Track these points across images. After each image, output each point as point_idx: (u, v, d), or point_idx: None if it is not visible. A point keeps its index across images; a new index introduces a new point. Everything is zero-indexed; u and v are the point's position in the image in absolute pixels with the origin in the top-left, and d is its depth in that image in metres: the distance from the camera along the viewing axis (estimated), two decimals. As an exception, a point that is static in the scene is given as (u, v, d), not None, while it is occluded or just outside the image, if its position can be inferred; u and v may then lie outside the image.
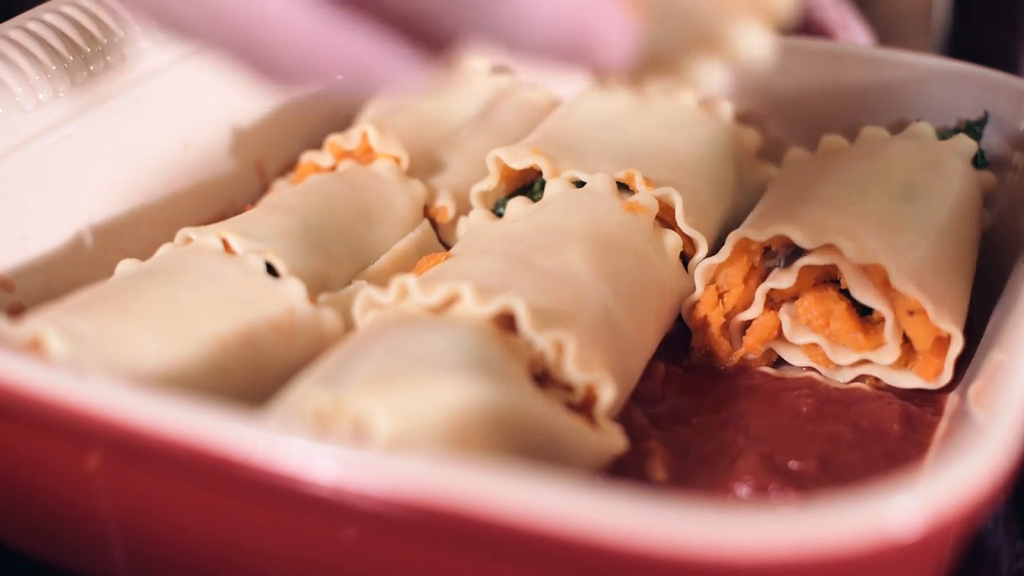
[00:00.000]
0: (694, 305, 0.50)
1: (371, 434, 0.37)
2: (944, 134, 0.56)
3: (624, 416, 0.45)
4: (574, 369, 0.42)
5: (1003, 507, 0.45)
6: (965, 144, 0.54)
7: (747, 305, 0.50)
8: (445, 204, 0.57)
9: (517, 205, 0.53)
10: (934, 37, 0.83)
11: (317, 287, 0.49)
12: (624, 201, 0.51)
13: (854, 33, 0.74)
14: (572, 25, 0.32)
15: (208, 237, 0.48)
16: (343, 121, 0.66)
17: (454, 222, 0.57)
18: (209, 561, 0.38)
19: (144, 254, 0.49)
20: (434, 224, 0.57)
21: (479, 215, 0.54)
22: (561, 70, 0.34)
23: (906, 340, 0.48)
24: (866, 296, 0.47)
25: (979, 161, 0.54)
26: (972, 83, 0.58)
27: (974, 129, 0.56)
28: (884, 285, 0.47)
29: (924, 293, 0.45)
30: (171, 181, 0.59)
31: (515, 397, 0.40)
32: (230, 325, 0.44)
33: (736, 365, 0.50)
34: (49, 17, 0.54)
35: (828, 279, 0.49)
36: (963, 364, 0.47)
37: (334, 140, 0.59)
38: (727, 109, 0.58)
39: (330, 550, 0.35)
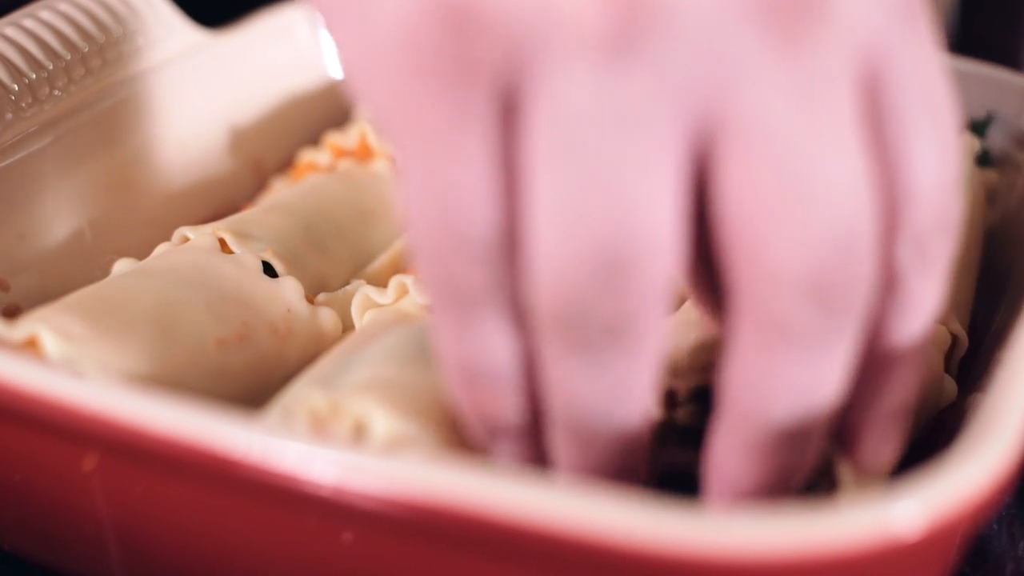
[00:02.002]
0: None
1: (369, 435, 0.37)
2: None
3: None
4: (574, 369, 0.42)
5: (1007, 509, 0.45)
6: (968, 143, 0.54)
7: None
8: (445, 203, 0.57)
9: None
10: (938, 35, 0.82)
11: (315, 287, 0.49)
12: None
13: None
14: None
15: (205, 236, 0.48)
16: (341, 119, 0.66)
17: (453, 221, 0.56)
18: (206, 563, 0.38)
19: (141, 253, 0.49)
20: (433, 223, 0.57)
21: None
22: None
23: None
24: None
25: (983, 160, 0.54)
26: (976, 81, 0.58)
27: (978, 128, 0.56)
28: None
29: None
30: (168, 180, 0.58)
31: (514, 397, 0.40)
32: (227, 325, 0.44)
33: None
34: (45, 14, 0.53)
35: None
36: (967, 364, 0.46)
37: (333, 139, 0.58)
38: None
39: (328, 551, 0.35)
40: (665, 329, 0.30)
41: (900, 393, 0.34)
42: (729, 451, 0.32)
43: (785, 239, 0.28)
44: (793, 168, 0.28)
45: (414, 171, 0.29)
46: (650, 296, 0.29)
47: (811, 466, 0.33)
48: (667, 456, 0.39)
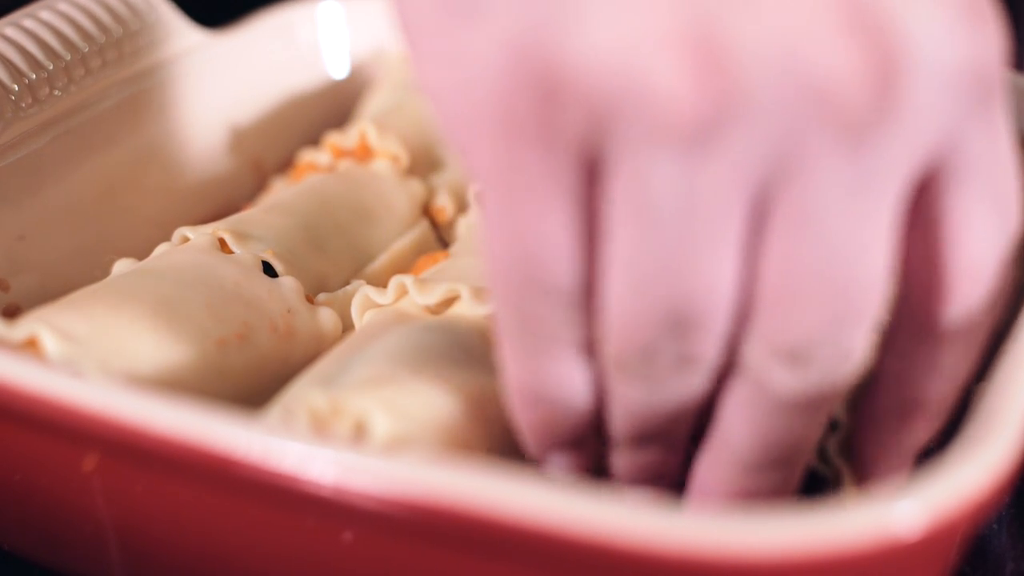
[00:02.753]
0: None
1: (369, 435, 0.37)
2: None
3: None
4: (573, 369, 0.42)
5: (1007, 509, 0.45)
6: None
7: None
8: (444, 203, 0.57)
9: (516, 204, 0.52)
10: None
11: (315, 287, 0.49)
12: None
13: None
14: None
15: (205, 236, 0.48)
16: (341, 119, 0.66)
17: (453, 221, 0.56)
18: (206, 563, 0.38)
19: (141, 254, 0.49)
20: (433, 223, 0.57)
21: (478, 215, 0.53)
22: None
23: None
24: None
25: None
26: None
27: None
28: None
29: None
30: (168, 180, 0.58)
31: (515, 397, 0.40)
32: (227, 325, 0.44)
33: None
34: (46, 15, 0.53)
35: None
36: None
37: (332, 139, 0.58)
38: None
39: (329, 551, 0.35)
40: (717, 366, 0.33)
41: (919, 438, 0.36)
42: (710, 471, 0.35)
43: (796, 308, 0.31)
44: (825, 256, 0.30)
45: (499, 220, 0.32)
46: (710, 348, 0.32)
47: (791, 489, 0.36)
48: None
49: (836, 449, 0.39)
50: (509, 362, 0.34)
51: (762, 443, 0.34)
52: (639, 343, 0.32)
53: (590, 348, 0.33)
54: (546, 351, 0.33)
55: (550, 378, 0.34)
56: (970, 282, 0.33)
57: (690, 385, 0.33)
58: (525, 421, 0.36)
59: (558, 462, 0.37)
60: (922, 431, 0.36)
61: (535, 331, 0.33)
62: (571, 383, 0.34)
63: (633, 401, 0.34)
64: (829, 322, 0.31)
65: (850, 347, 0.32)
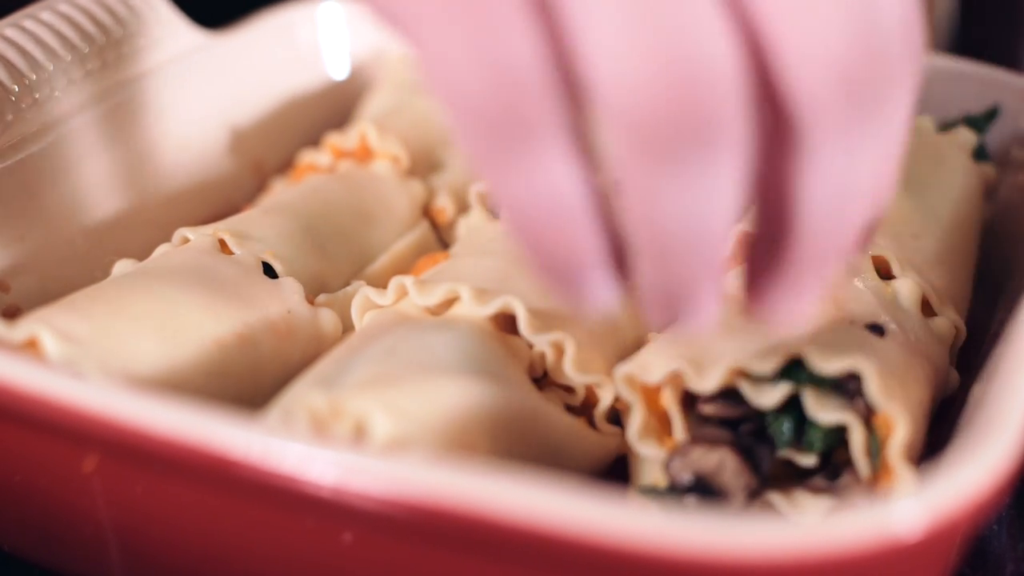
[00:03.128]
0: None
1: (369, 436, 0.37)
2: (945, 127, 0.55)
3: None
4: (573, 371, 0.42)
5: (1007, 509, 0.45)
6: (965, 136, 0.54)
7: None
8: (444, 204, 0.57)
9: (517, 205, 0.52)
10: (938, 35, 0.83)
11: (315, 288, 0.49)
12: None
13: None
14: None
15: (205, 237, 0.48)
16: (341, 119, 0.66)
17: (453, 222, 0.56)
18: (206, 563, 0.38)
19: (141, 254, 0.49)
20: (434, 224, 0.57)
21: (478, 215, 0.53)
22: None
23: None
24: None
25: (980, 154, 0.54)
26: (976, 81, 0.58)
27: (976, 122, 0.56)
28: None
29: (926, 282, 0.45)
30: (168, 181, 0.58)
31: (515, 398, 0.40)
32: (227, 326, 0.44)
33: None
34: (46, 15, 0.53)
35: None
36: (966, 354, 0.46)
37: (333, 140, 0.58)
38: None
39: (328, 552, 0.35)
40: (746, 148, 0.30)
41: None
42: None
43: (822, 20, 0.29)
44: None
45: (443, 22, 0.29)
46: (729, 103, 0.29)
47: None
48: (695, 458, 0.39)
49: (898, 452, 0.37)
50: (500, 186, 0.30)
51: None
52: (653, 103, 0.28)
53: (582, 150, 0.30)
54: (536, 152, 0.30)
55: (547, 184, 0.30)
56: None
57: (719, 172, 0.29)
58: (540, 253, 0.31)
59: (586, 295, 0.32)
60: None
61: (518, 131, 0.29)
62: (570, 183, 0.30)
63: (655, 196, 0.29)
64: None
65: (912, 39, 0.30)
